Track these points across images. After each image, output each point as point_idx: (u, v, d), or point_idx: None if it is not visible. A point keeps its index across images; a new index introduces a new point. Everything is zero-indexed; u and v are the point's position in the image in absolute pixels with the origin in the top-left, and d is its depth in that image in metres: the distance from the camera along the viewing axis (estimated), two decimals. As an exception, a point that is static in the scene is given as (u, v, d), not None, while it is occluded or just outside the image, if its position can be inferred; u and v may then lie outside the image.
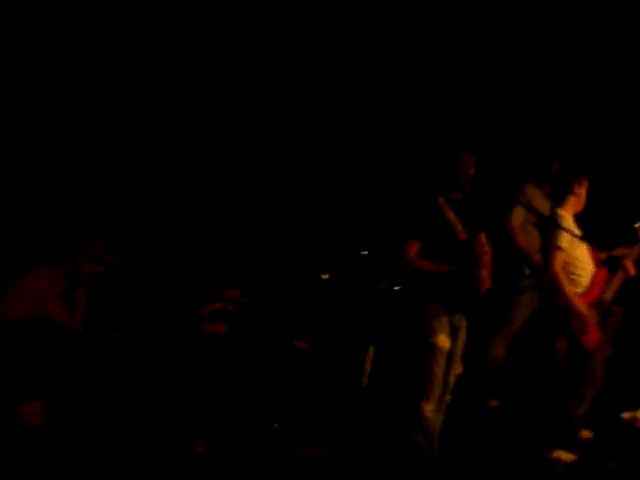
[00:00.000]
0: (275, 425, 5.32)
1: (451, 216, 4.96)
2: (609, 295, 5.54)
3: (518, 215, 6.43)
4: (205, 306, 5.63)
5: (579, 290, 5.49)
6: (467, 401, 6.05)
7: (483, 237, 5.12)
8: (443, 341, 4.80)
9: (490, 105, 7.31)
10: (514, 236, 6.38)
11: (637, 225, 5.67)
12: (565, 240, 5.44)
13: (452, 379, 4.97)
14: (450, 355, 4.88)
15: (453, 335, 4.91)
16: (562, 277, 5.41)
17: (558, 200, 5.68)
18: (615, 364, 6.26)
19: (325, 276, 6.21)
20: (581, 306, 5.37)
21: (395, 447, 5.01)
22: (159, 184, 6.39)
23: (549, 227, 5.54)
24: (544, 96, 7.37)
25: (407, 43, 6.87)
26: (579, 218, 5.72)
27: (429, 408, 4.77)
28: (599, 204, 6.02)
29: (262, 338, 5.71)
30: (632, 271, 5.59)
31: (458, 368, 5.05)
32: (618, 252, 5.83)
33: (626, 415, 6.22)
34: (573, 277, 5.53)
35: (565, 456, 5.44)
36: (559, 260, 5.41)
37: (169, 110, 6.38)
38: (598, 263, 5.68)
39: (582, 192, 5.68)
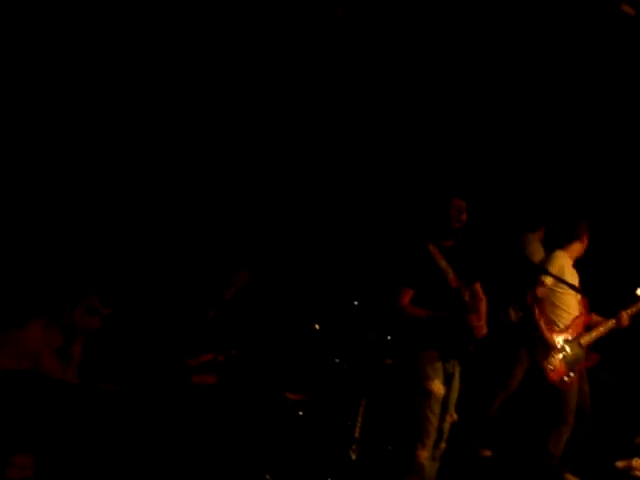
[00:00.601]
0: (267, 476, 5.25)
1: (442, 263, 4.97)
2: (586, 340, 5.67)
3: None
4: (195, 358, 5.58)
5: (556, 329, 5.64)
6: (459, 451, 6.01)
7: (478, 286, 5.14)
8: (438, 387, 4.79)
9: (482, 152, 7.38)
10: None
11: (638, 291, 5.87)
12: (549, 280, 5.59)
13: (447, 427, 4.95)
14: (444, 402, 4.87)
15: (447, 382, 4.90)
16: (535, 308, 5.56)
17: (562, 244, 5.83)
18: (610, 413, 6.30)
19: (317, 326, 6.19)
20: (548, 334, 5.49)
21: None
22: (147, 236, 6.37)
23: (538, 273, 5.67)
24: (538, 145, 7.46)
25: (395, 89, 6.94)
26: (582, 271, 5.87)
27: (424, 455, 4.74)
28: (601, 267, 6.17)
29: (253, 389, 5.66)
30: (625, 322, 5.74)
31: (453, 416, 5.02)
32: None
33: (620, 464, 6.22)
34: (553, 317, 5.67)
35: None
36: (537, 293, 5.57)
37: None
38: (586, 311, 5.81)
39: (586, 239, 5.86)
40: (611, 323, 5.76)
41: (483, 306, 5.03)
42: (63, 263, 5.63)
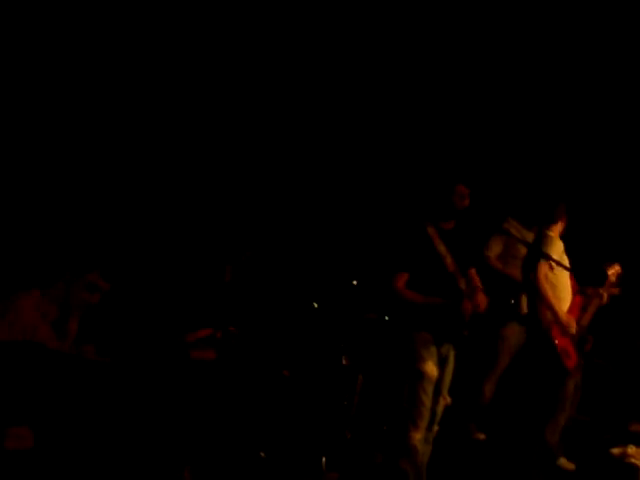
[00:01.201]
0: (262, 453, 5.28)
1: (441, 247, 4.94)
2: (585, 321, 5.70)
3: (495, 247, 6.45)
4: (193, 333, 5.60)
5: None
6: (454, 434, 6.02)
7: (473, 272, 5.12)
8: (431, 369, 4.77)
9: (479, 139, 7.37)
10: (493, 265, 6.40)
11: (607, 268, 5.94)
12: (553, 263, 5.59)
13: (440, 410, 4.94)
14: (438, 384, 4.85)
15: (441, 365, 4.88)
16: (545, 285, 5.55)
17: (547, 224, 5.84)
18: (605, 400, 6.31)
19: (315, 305, 6.20)
20: (563, 314, 5.50)
21: (383, 476, 4.97)
22: (150, 213, 6.38)
23: (535, 255, 5.67)
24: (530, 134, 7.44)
25: (401, 76, 6.93)
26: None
27: (417, 437, 4.72)
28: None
29: (251, 366, 5.67)
30: (606, 299, 5.88)
31: (447, 399, 5.02)
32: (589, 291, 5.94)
33: (616, 450, 6.23)
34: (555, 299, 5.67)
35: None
36: (542, 269, 5.55)
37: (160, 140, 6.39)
38: (575, 290, 5.83)
39: (565, 219, 5.90)
40: (596, 302, 5.81)
41: (479, 292, 4.99)
42: (61, 237, 5.65)
